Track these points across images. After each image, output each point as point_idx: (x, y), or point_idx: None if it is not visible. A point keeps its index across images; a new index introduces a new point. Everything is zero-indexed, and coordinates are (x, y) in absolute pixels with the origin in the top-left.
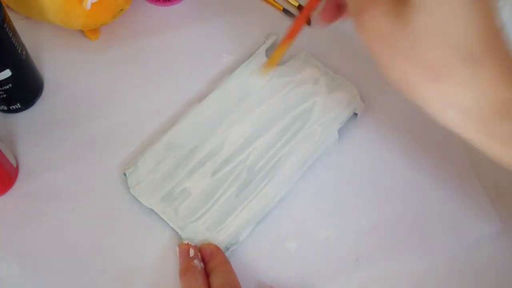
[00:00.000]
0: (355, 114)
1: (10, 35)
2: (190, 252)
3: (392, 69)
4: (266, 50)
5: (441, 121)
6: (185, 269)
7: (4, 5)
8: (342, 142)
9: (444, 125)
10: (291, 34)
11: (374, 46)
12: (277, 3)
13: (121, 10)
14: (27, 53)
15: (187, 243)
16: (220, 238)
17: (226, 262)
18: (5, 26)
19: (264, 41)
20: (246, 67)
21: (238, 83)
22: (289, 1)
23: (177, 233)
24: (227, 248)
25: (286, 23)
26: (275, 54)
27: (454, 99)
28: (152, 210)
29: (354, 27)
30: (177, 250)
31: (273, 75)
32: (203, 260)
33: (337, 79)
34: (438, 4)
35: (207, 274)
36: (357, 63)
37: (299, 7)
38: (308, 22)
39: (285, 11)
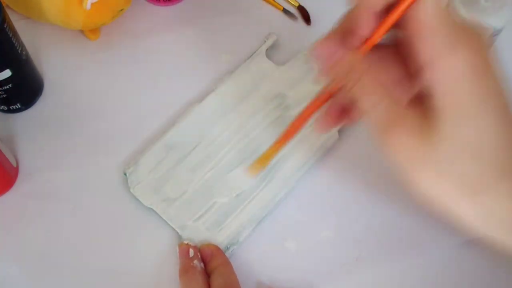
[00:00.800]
0: None
1: (10, 35)
2: (190, 252)
3: (424, 186)
4: (267, 50)
5: (476, 232)
6: (185, 269)
7: (4, 5)
8: (342, 142)
9: (479, 234)
10: (285, 138)
11: (404, 164)
12: (277, 3)
13: (121, 10)
14: (27, 53)
15: (187, 243)
16: (220, 238)
17: (227, 263)
18: (5, 26)
19: (265, 41)
20: (247, 67)
21: (238, 83)
22: (289, 1)
23: (177, 233)
24: (227, 248)
25: (286, 23)
26: (266, 155)
27: (491, 211)
28: (152, 209)
29: (378, 144)
30: (177, 250)
31: (273, 75)
32: (203, 260)
33: None
34: (464, 123)
35: (208, 274)
36: None
37: (299, 7)
38: (308, 22)
39: (285, 11)
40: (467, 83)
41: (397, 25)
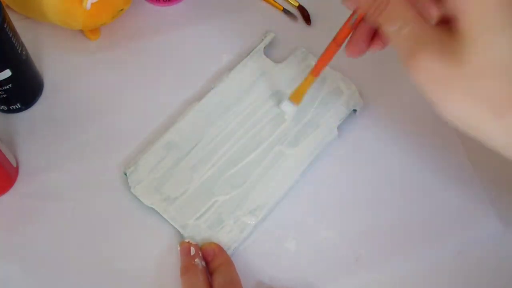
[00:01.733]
0: (354, 111)
1: (10, 35)
2: (191, 251)
3: (451, 108)
4: (265, 48)
5: (505, 154)
6: (186, 268)
7: (4, 5)
8: (341, 139)
9: (508, 155)
10: (319, 66)
11: (429, 87)
12: (277, 3)
13: (121, 10)
14: (27, 53)
15: (188, 242)
16: (221, 236)
17: (229, 262)
18: (5, 26)
19: (262, 39)
20: (245, 65)
21: (237, 81)
22: (289, 1)
23: (178, 232)
24: (229, 247)
25: (286, 23)
26: (300, 88)
27: None
28: (153, 209)
29: (406, 71)
30: (178, 248)
31: (272, 73)
32: (205, 259)
33: (336, 76)
34: (491, 41)
35: (210, 273)
36: (356, 60)
37: (299, 7)
38: (308, 22)
39: (285, 11)
40: None
41: None
